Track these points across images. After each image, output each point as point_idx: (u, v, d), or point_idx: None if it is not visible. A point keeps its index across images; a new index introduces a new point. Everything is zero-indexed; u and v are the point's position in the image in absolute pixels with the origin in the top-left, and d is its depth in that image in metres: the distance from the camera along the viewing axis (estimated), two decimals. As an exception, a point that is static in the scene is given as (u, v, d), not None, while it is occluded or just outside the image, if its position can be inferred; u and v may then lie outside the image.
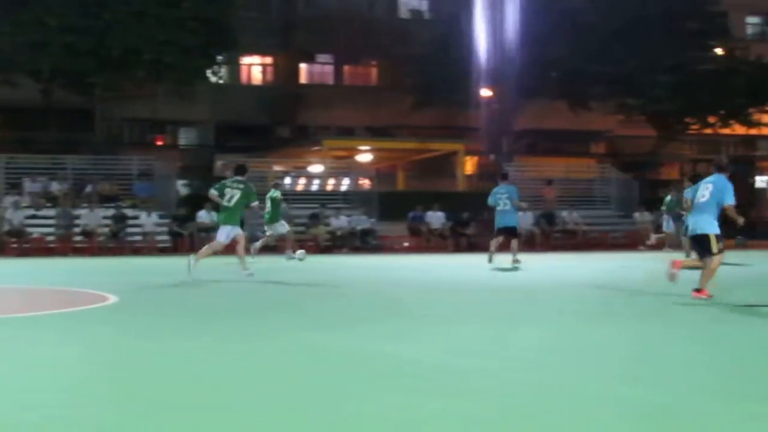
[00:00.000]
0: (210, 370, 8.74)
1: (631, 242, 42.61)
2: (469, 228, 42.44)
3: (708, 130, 54.71)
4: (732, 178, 16.32)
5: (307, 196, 45.28)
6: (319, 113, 56.26)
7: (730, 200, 16.02)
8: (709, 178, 16.43)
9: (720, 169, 16.45)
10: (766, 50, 53.68)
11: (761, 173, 63.48)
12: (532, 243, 40.36)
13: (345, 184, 46.99)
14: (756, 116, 53.35)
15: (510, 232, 26.45)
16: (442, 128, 55.35)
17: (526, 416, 6.84)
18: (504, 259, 26.22)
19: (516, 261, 25.96)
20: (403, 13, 60.07)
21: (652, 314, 14.04)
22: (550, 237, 42.91)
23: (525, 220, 39.37)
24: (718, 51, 53.64)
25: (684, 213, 19.22)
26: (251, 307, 15.24)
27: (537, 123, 54.24)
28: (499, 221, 26.27)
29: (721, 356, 9.89)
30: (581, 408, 7.14)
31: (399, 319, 13.12)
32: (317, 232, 40.49)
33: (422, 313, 14.04)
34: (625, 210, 47.31)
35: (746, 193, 60.17)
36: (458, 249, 40.93)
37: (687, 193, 18.06)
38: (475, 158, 56.53)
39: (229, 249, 21.91)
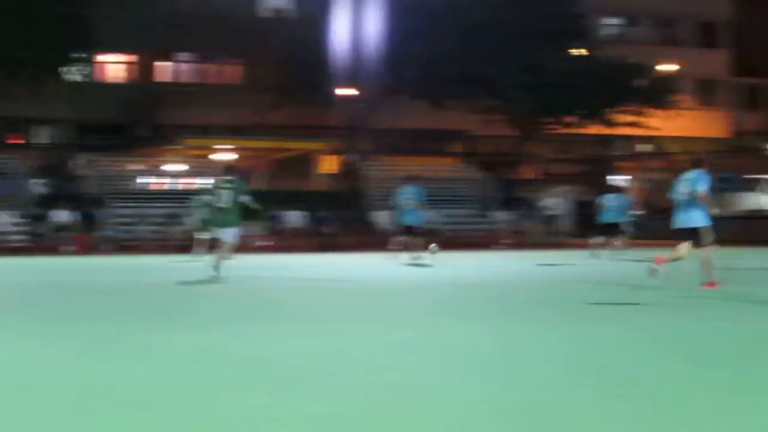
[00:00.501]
0: (49, 374, 8.50)
1: (491, 241, 42.99)
2: (329, 227, 42.38)
3: (566, 130, 55.45)
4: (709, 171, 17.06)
5: (164, 195, 44.67)
6: (179, 112, 55.59)
7: (702, 188, 16.78)
8: (688, 175, 17.20)
9: (697, 164, 17.29)
10: (622, 51, 54.58)
11: (617, 173, 64.55)
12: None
13: (203, 183, 46.48)
14: (612, 116, 54.21)
15: (414, 231, 27.43)
16: (303, 127, 55.13)
17: (387, 416, 6.78)
18: (360, 259, 26.21)
19: (417, 258, 26.95)
20: (264, 11, 59.70)
21: (515, 313, 14.12)
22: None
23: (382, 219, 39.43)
24: (576, 52, 54.37)
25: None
26: (105, 309, 14.93)
27: (397, 122, 54.36)
28: (403, 219, 27.54)
29: (584, 353, 9.96)
30: (442, 407, 7.11)
31: (264, 320, 12.98)
32: (174, 231, 39.99)
33: (291, 313, 13.94)
34: (486, 209, 47.71)
35: (603, 192, 61.13)
36: (318, 248, 40.81)
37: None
38: (336, 157, 56.45)
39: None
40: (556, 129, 55.21)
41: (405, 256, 27.48)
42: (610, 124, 54.50)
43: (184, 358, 9.43)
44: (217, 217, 21.09)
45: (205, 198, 22.05)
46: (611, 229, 31.42)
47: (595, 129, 55.28)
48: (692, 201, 16.98)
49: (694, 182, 16.93)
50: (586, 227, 45.75)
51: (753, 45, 68.41)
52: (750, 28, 68.17)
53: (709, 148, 63.37)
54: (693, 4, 65.50)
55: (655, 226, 52.17)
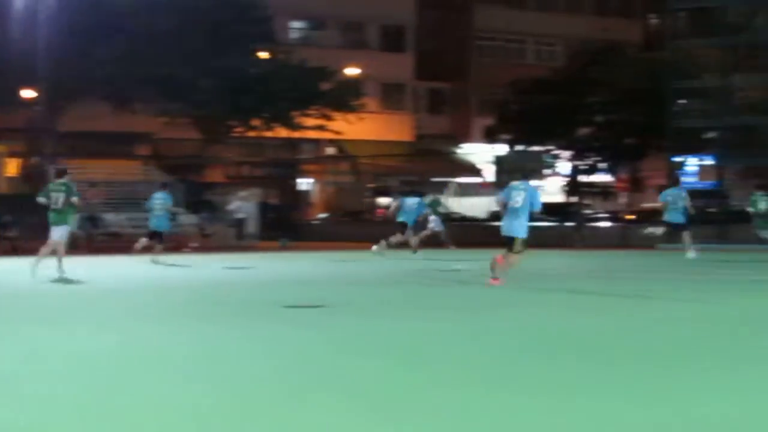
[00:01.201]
0: None
1: (178, 244, 42.54)
2: (12, 231, 40.97)
3: (252, 133, 55.52)
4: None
5: None
6: None
7: (539, 206, 18.75)
8: (520, 185, 18.82)
9: (524, 176, 19.74)
10: (309, 54, 55.10)
11: (304, 176, 65.24)
12: (76, 246, 39.41)
13: None
14: (299, 120, 54.60)
15: (159, 236, 29.46)
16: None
17: (91, 419, 6.62)
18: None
19: (156, 261, 28.18)
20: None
21: (206, 316, 14.04)
22: (95, 239, 42.10)
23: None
24: (263, 55, 54.49)
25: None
26: None
27: (82, 125, 53.06)
28: (154, 224, 29.52)
29: (282, 355, 9.96)
30: (143, 410, 7.07)
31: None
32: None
33: None
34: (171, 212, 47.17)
35: (290, 196, 61.68)
36: (2, 252, 39.39)
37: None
38: (19, 160, 54.72)
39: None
40: (243, 132, 55.18)
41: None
42: (297, 127, 54.88)
43: None
44: (51, 217, 22.24)
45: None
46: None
47: (283, 132, 55.55)
48: (519, 211, 18.59)
49: (532, 196, 18.62)
50: (274, 229, 46.08)
51: (435, 49, 70.46)
52: (432, 32, 70.15)
53: (394, 151, 64.92)
54: (378, 8, 66.74)
55: (338, 229, 53.25)
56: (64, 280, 20.83)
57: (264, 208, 49.31)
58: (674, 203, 29.76)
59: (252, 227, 45.85)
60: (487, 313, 14.72)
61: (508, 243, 18.89)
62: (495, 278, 18.97)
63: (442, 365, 9.46)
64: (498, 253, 19.27)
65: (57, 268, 21.78)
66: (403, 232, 32.54)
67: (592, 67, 58.08)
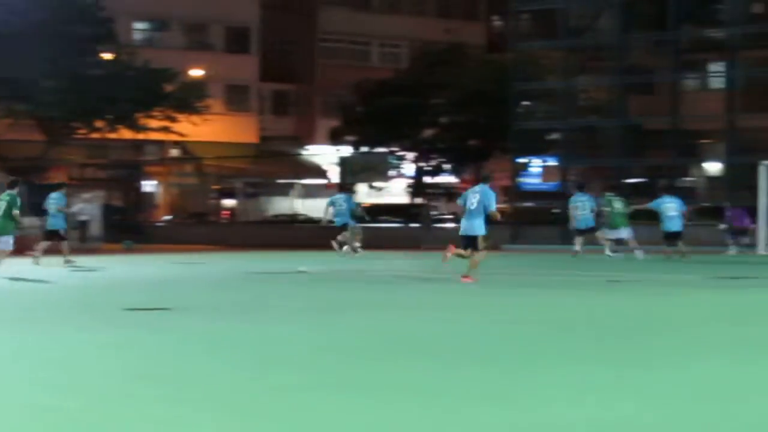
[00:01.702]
0: None
1: (23, 247, 41.62)
2: None
3: (96, 135, 54.65)
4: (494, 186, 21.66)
5: None
6: None
7: (494, 206, 20.18)
8: (476, 188, 20.67)
9: (485, 180, 21.22)
10: (153, 56, 54.49)
11: (148, 178, 64.51)
12: None
13: None
14: (143, 121, 53.95)
15: (58, 235, 29.90)
16: None
17: None
18: None
19: (69, 261, 28.66)
20: None
21: (52, 318, 13.84)
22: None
23: None
24: (106, 56, 53.71)
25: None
26: None
27: None
28: (51, 224, 29.89)
29: (131, 359, 9.85)
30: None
31: None
32: None
33: None
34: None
35: (134, 197, 60.93)
36: None
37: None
38: None
39: None
40: (87, 133, 54.28)
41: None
42: (141, 129, 54.22)
43: None
44: None
45: None
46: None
47: (127, 134, 54.80)
48: (477, 212, 20.12)
49: (487, 198, 20.08)
50: (118, 232, 45.45)
51: (280, 51, 70.38)
52: (276, 34, 70.05)
53: (239, 153, 64.63)
54: (222, 9, 66.38)
55: (183, 231, 52.79)
56: None
57: (108, 210, 48.60)
58: (583, 209, 31.78)
59: (96, 229, 45.16)
60: (331, 315, 14.79)
61: (469, 242, 20.36)
62: (467, 276, 20.42)
63: (285, 367, 9.47)
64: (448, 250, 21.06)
65: None
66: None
67: (436, 69, 58.62)
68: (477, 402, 7.66)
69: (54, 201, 29.93)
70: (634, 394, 8.02)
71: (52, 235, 30.01)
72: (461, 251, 20.74)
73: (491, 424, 6.97)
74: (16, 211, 24.66)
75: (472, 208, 20.14)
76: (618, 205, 31.93)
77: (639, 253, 30.58)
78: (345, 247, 32.81)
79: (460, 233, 20.67)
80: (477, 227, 20.26)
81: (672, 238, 30.54)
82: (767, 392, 8.27)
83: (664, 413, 7.28)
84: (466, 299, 17.40)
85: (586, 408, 7.48)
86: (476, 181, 64.19)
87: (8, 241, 23.41)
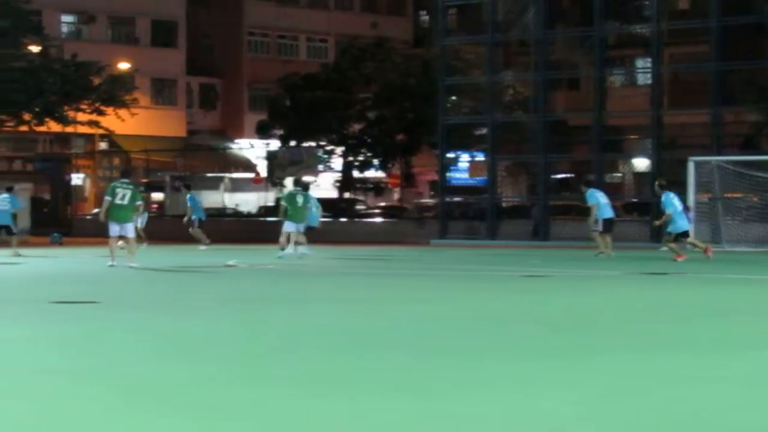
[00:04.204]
0: None
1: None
2: None
3: (24, 128, 54.17)
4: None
5: None
6: None
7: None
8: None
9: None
10: (80, 48, 54.16)
11: (77, 171, 64.05)
12: None
13: None
14: (71, 114, 53.57)
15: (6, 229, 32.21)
16: None
17: None
18: None
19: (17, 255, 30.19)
20: None
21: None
22: None
23: None
24: (32, 48, 53.25)
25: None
26: None
27: None
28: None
29: (61, 354, 9.95)
30: None
31: None
32: None
33: None
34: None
35: (62, 190, 60.47)
36: None
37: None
38: None
39: None
40: (14, 126, 53.77)
41: None
42: (69, 122, 53.83)
43: None
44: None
45: None
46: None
47: (55, 127, 54.35)
48: None
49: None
50: (46, 225, 45.16)
51: (206, 45, 70.18)
52: (202, 28, 69.86)
53: (167, 146, 64.38)
54: (149, 3, 66.16)
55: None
56: None
57: (35, 203, 48.21)
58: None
59: (23, 222, 44.83)
60: (267, 307, 14.95)
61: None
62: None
63: (218, 361, 9.59)
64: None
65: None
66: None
67: (362, 63, 58.73)
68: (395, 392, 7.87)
69: (6, 198, 32.41)
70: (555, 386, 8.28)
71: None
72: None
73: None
74: None
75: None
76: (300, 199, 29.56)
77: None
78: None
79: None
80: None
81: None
82: (671, 383, 8.54)
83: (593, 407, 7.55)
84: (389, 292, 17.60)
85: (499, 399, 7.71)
86: (403, 176, 64.18)
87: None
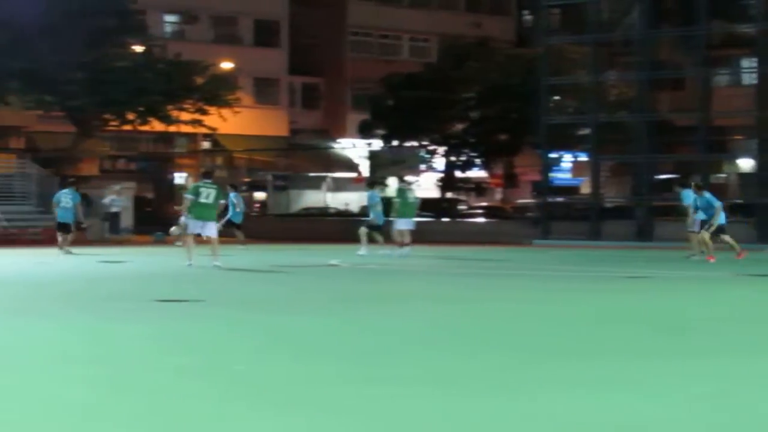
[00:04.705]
0: None
1: (52, 238, 41.94)
2: None
3: (127, 127, 54.85)
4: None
5: None
6: None
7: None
8: None
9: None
10: (183, 48, 54.69)
11: (179, 170, 64.72)
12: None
13: None
14: (173, 114, 54.09)
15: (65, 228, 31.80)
16: None
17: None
18: None
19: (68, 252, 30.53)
20: None
21: (90, 310, 13.93)
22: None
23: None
24: (136, 48, 53.89)
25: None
26: None
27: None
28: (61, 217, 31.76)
29: (173, 350, 9.98)
30: (44, 416, 7.02)
31: None
32: None
33: None
34: (46, 206, 46.45)
35: (165, 190, 61.18)
36: None
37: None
38: None
39: None
40: (119, 125, 54.47)
41: None
42: (172, 121, 54.35)
43: None
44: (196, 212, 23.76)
45: None
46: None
47: (158, 126, 54.94)
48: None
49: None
50: (148, 224, 45.65)
51: (309, 44, 70.43)
52: (305, 27, 70.12)
53: (269, 146, 64.83)
54: (251, 2, 66.58)
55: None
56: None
57: (138, 202, 48.78)
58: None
59: (127, 221, 45.44)
60: (372, 306, 14.90)
61: None
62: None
63: (328, 359, 9.55)
64: None
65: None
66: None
67: (465, 63, 58.59)
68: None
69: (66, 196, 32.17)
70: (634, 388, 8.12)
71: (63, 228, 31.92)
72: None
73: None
74: None
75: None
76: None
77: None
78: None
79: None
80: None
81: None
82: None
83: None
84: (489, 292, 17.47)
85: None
86: (505, 176, 63.87)
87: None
